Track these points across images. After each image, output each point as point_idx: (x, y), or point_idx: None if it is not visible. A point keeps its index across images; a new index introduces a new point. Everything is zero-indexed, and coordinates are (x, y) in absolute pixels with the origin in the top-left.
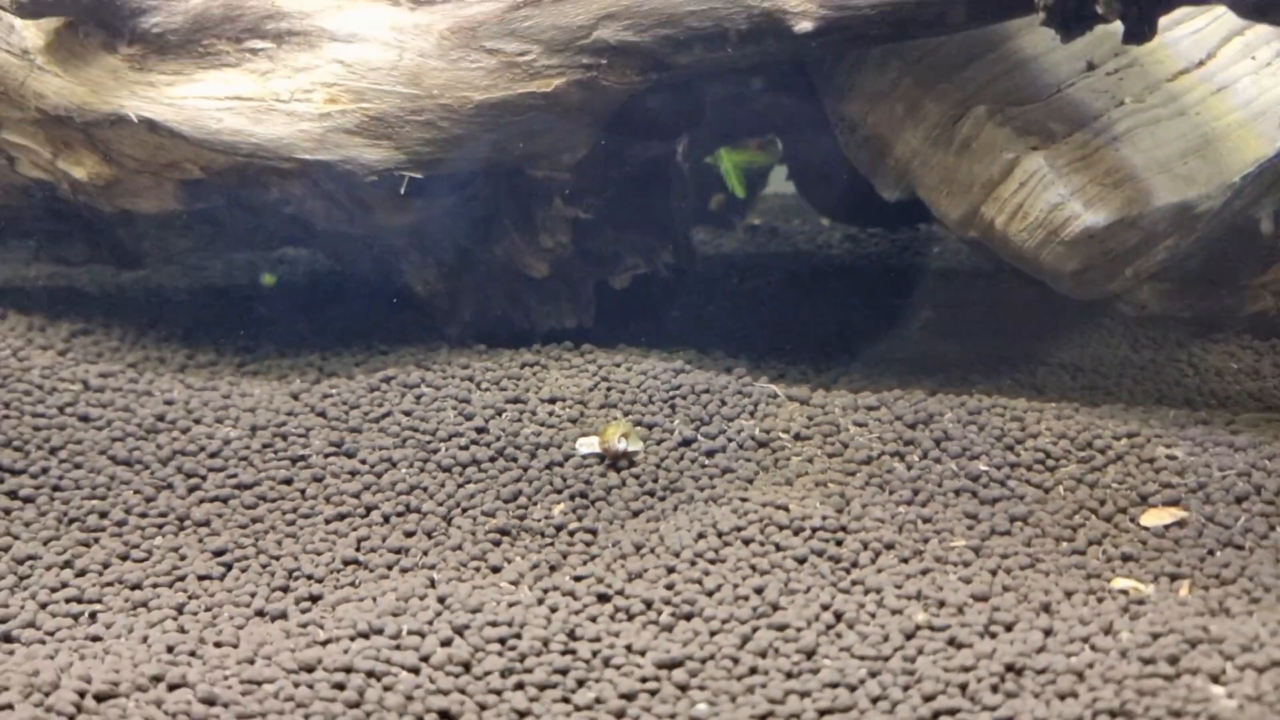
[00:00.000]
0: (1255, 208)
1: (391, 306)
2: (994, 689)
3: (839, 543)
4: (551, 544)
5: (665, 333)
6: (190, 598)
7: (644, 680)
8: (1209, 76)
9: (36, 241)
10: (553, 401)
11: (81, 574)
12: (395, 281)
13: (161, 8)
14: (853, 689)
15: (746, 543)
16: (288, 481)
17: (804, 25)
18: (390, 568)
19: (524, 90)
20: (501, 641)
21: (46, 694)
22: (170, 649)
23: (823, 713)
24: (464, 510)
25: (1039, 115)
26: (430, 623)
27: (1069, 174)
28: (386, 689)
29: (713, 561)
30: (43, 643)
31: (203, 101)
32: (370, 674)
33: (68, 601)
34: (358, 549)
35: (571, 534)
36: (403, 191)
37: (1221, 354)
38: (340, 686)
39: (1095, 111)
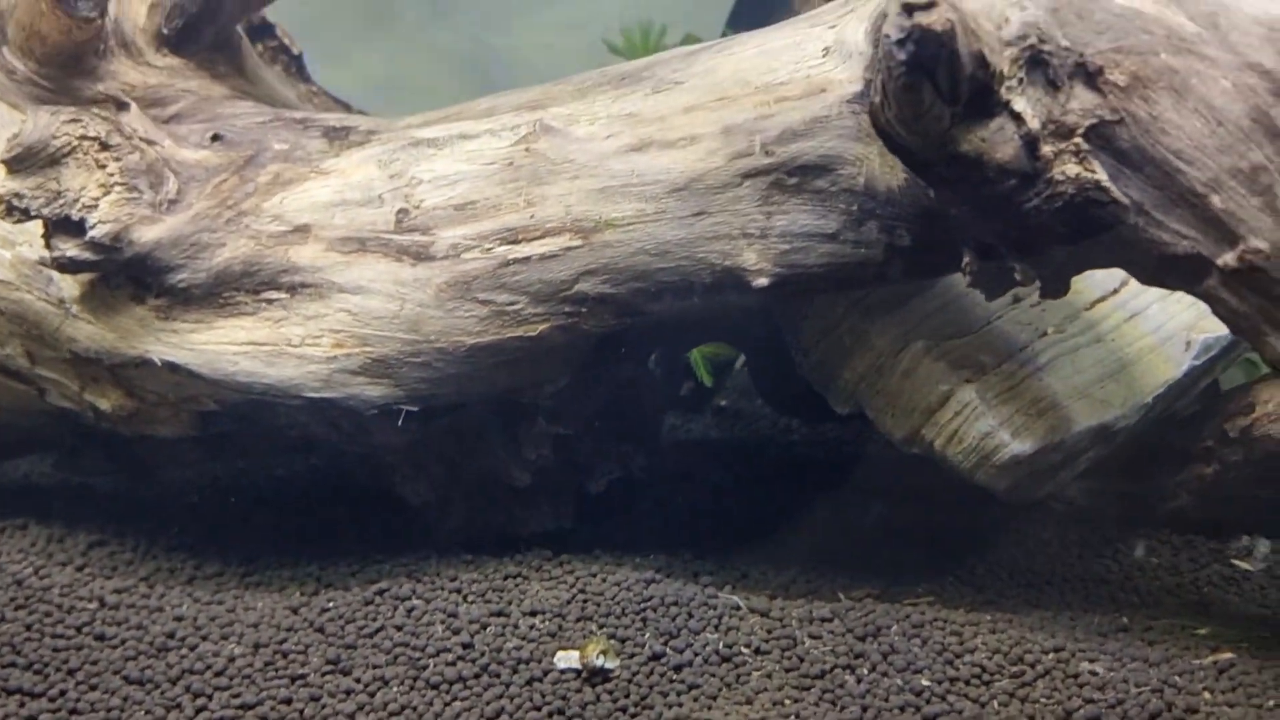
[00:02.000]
0: (1169, 414)
1: (385, 513)
2: None
3: None
4: None
5: (638, 531)
6: None
7: None
8: (1122, 304)
9: (58, 453)
10: (534, 614)
11: None
12: (389, 490)
13: (187, 265)
14: None
15: None
16: (287, 701)
17: (760, 281)
18: None
19: (512, 335)
20: None
21: None
22: None
23: None
24: None
25: (971, 348)
26: None
27: (998, 405)
28: None
29: None
30: None
31: (221, 346)
32: None
33: None
34: None
35: None
36: (399, 423)
37: (1144, 549)
38: None
39: (1021, 342)
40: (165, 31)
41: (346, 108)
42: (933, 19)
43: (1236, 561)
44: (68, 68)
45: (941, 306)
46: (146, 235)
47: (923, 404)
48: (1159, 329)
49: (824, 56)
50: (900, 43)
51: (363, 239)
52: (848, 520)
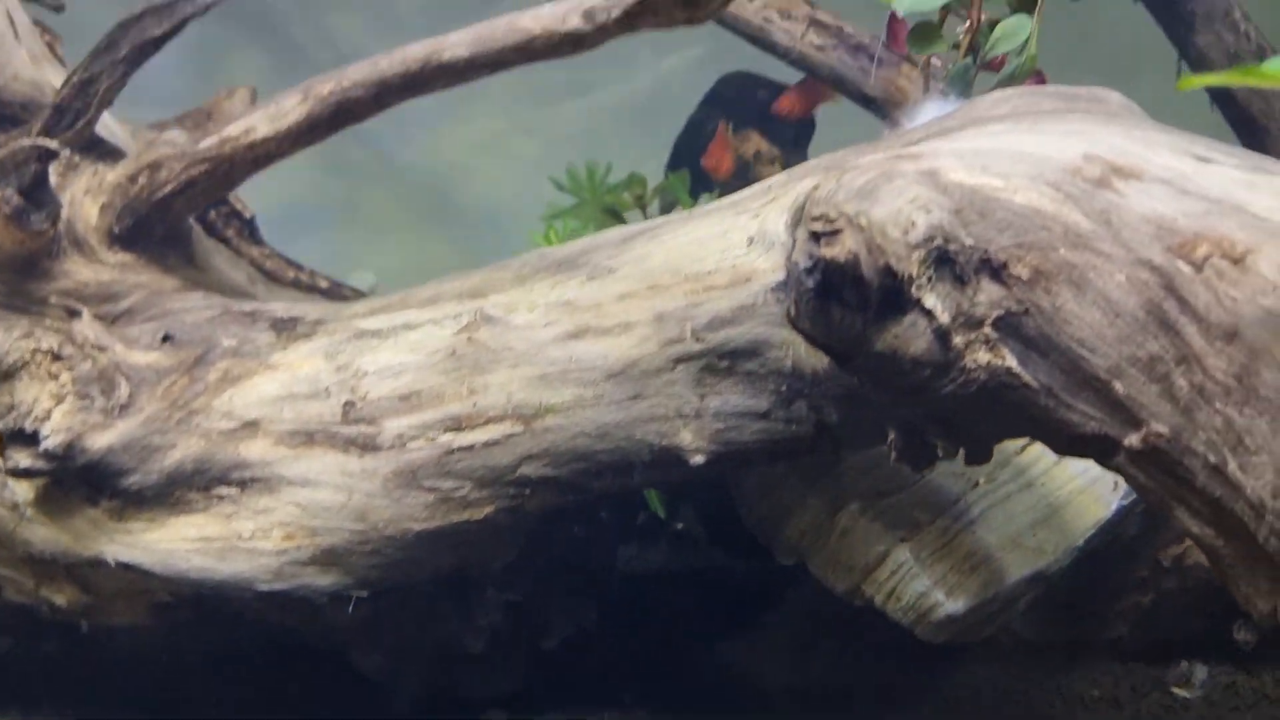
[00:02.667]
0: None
1: (342, 680)
2: None
3: None
4: None
5: (593, 687)
6: None
7: None
8: None
9: (12, 638)
10: None
11: None
12: (345, 658)
13: (139, 468)
14: None
15: None
16: None
17: (697, 459)
18: None
19: (458, 519)
20: None
21: None
22: None
23: None
24: None
25: (905, 504)
26: None
27: (932, 563)
28: None
29: None
30: None
31: (174, 544)
32: None
33: None
34: None
35: None
36: (350, 609)
37: (1085, 680)
38: None
39: (954, 495)
40: (116, 230)
41: (299, 268)
42: (836, 251)
43: (1176, 690)
44: (21, 272)
45: (876, 463)
46: (99, 442)
47: (861, 563)
48: (1087, 470)
49: (748, 246)
50: (808, 270)
51: (310, 432)
52: (798, 652)
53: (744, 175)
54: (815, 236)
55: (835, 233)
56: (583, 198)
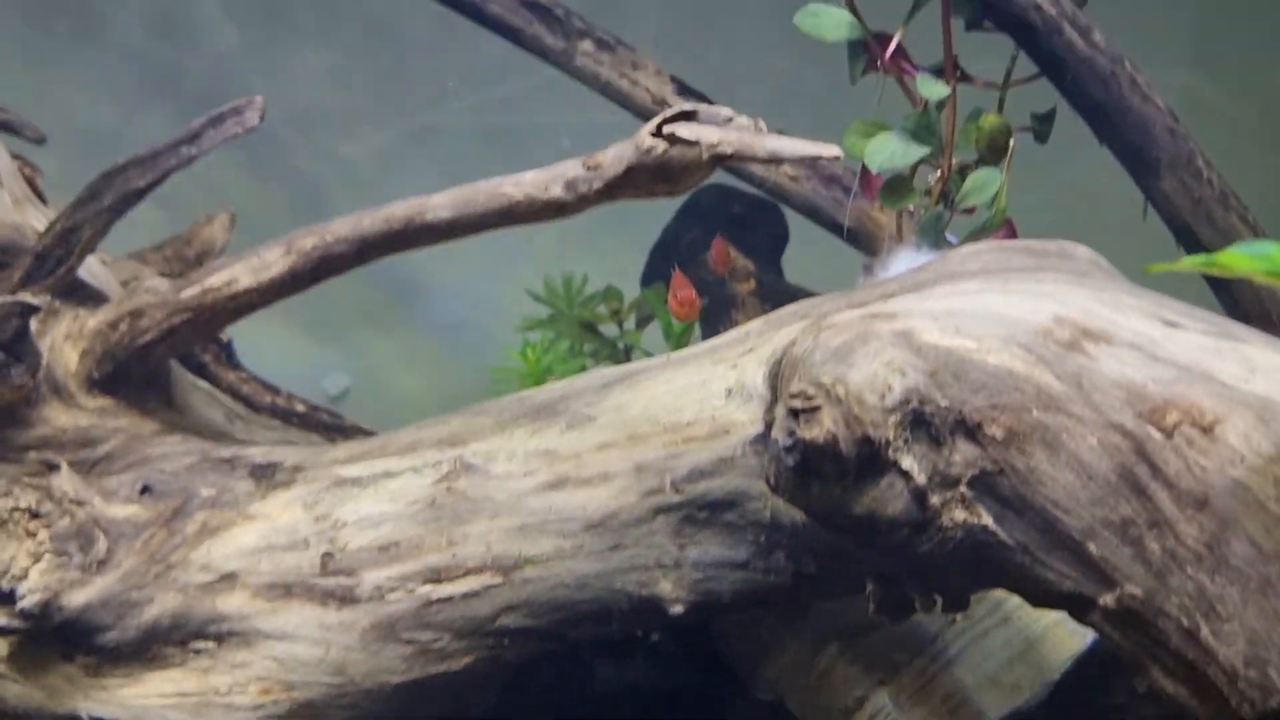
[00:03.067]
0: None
1: None
2: None
3: None
4: None
5: None
6: None
7: None
8: None
9: None
10: None
11: None
12: None
13: (117, 625)
14: None
15: None
16: None
17: (676, 609)
18: None
19: (436, 670)
20: None
21: None
22: None
23: None
24: None
25: (884, 645)
26: None
27: (911, 707)
28: None
29: None
30: None
31: (149, 700)
32: None
33: None
34: None
35: None
36: None
37: None
38: None
39: (932, 634)
40: (96, 375)
41: (275, 392)
42: (815, 433)
43: None
44: (0, 422)
45: (853, 601)
46: (76, 599)
47: (840, 705)
48: None
49: (727, 397)
50: (788, 450)
51: (289, 584)
52: None
53: (720, 289)
54: (794, 414)
55: (814, 410)
56: (559, 309)
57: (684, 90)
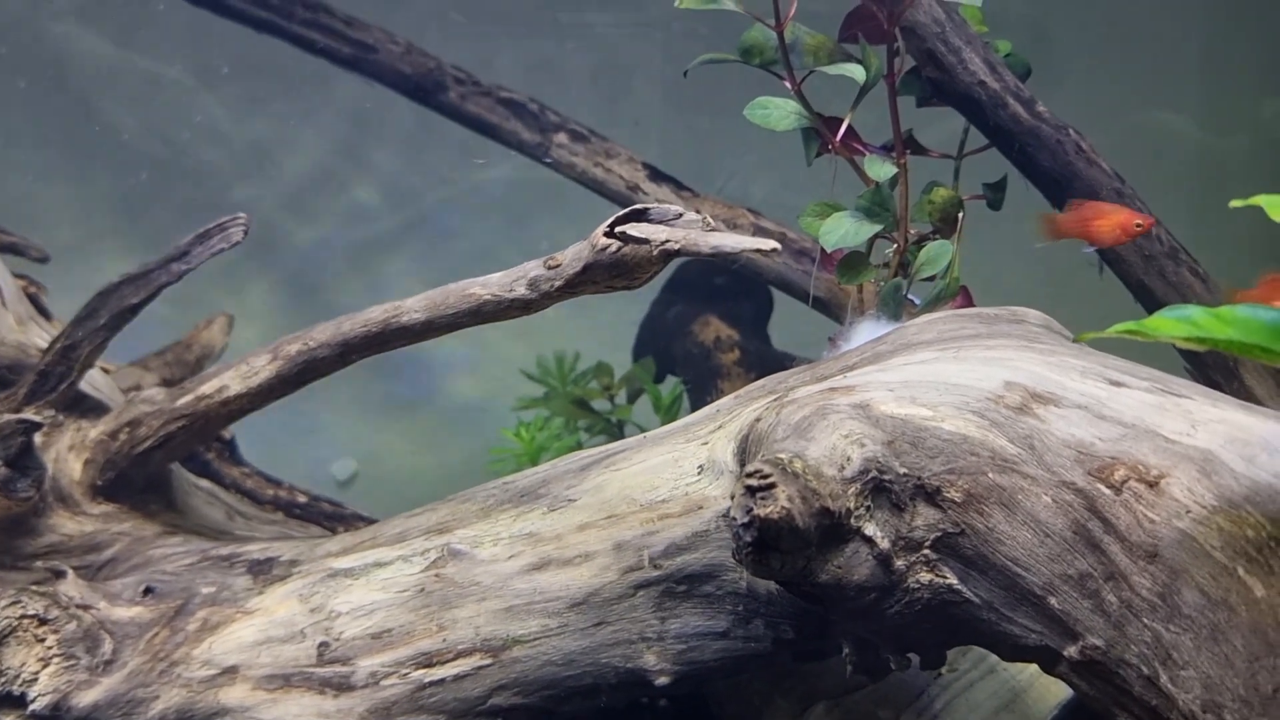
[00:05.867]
0: None
1: None
2: None
3: None
4: None
5: None
6: None
7: None
8: None
9: None
10: None
11: None
12: None
13: None
14: None
15: None
16: None
17: (662, 680)
18: None
19: None
20: None
21: None
22: None
23: None
24: None
25: (870, 701)
26: None
27: None
28: None
29: None
30: None
31: None
32: None
33: None
34: None
35: None
36: None
37: None
38: None
39: (918, 688)
40: (99, 483)
41: (278, 484)
42: (770, 510)
43: None
44: (8, 531)
45: (840, 662)
46: (85, 699)
47: None
48: None
49: (699, 474)
50: (745, 526)
51: (287, 675)
52: None
53: (705, 361)
54: (751, 491)
55: (769, 487)
56: (552, 387)
57: (656, 175)
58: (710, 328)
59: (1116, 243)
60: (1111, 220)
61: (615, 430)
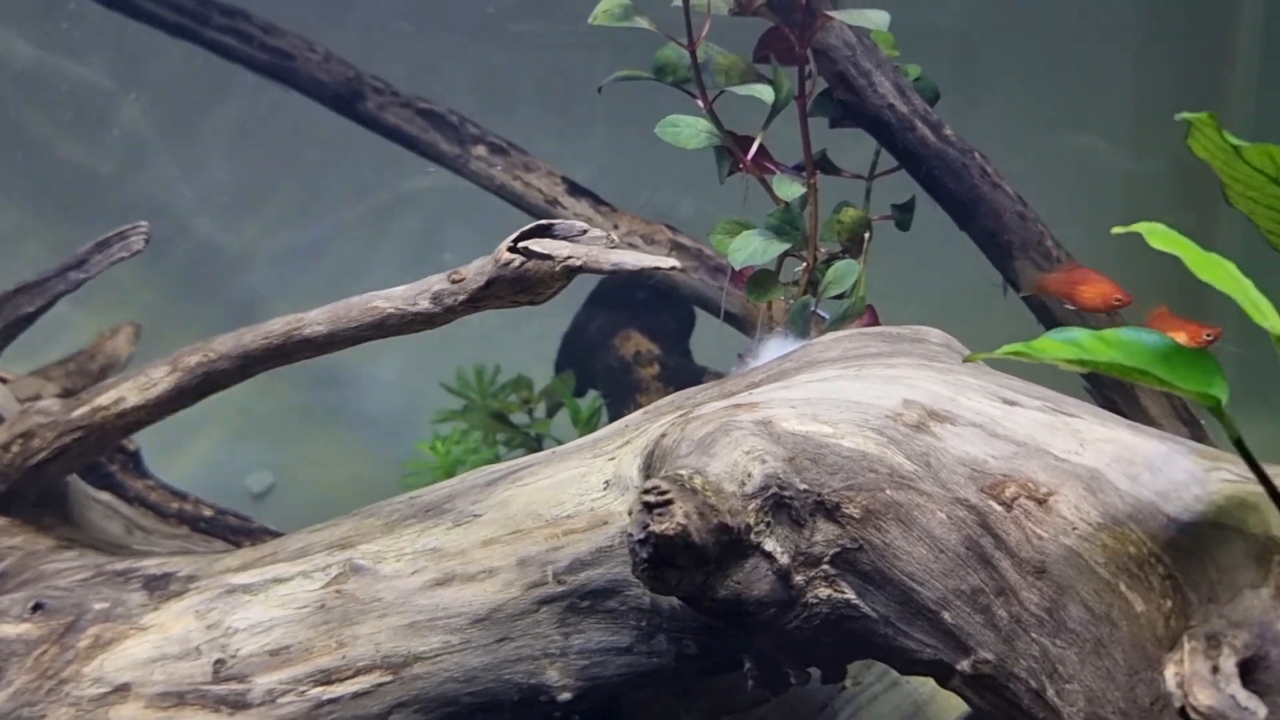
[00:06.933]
0: None
1: None
2: None
3: None
4: None
5: None
6: None
7: None
8: None
9: None
10: None
11: None
12: None
13: None
14: None
15: None
16: None
17: (564, 695)
18: None
19: None
20: None
21: None
22: None
23: None
24: None
25: (774, 716)
26: None
27: None
28: None
29: None
30: None
31: None
32: None
33: None
34: None
35: None
36: None
37: None
38: None
39: (821, 702)
40: None
41: (183, 498)
42: (665, 526)
43: None
44: None
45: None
46: None
47: None
48: None
49: (605, 489)
50: (640, 543)
51: (181, 692)
52: None
53: (625, 375)
54: (648, 507)
55: (666, 503)
56: (471, 400)
57: (575, 190)
58: (631, 342)
59: (1095, 310)
60: (1096, 289)
61: (534, 444)
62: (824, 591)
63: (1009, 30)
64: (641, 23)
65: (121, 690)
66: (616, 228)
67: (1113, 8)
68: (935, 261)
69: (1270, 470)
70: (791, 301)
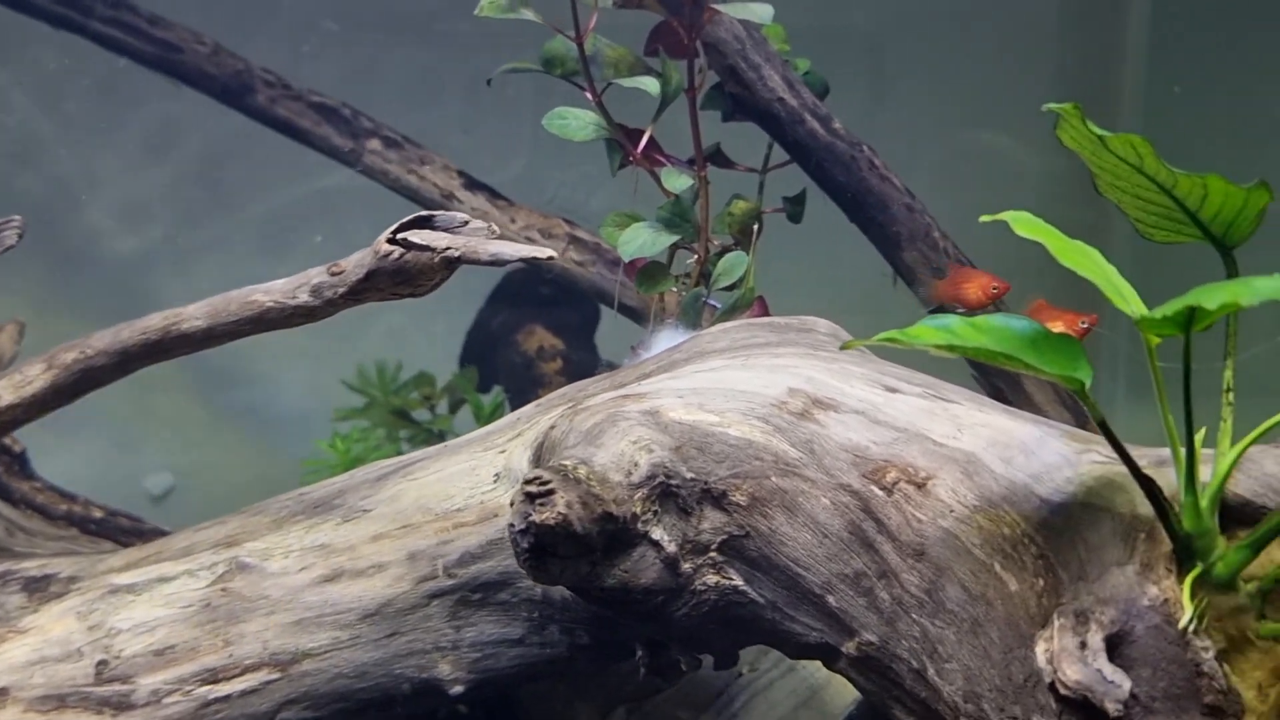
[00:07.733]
0: None
1: None
2: None
3: None
4: None
5: None
6: None
7: None
8: None
9: None
10: None
11: None
12: None
13: None
14: None
15: None
16: None
17: (456, 689)
18: None
19: None
20: None
21: None
22: None
23: None
24: None
25: (671, 704)
26: None
27: None
28: None
29: None
30: None
31: None
32: None
33: None
34: None
35: None
36: None
37: None
38: None
39: (717, 689)
40: None
41: (72, 499)
42: (546, 515)
43: None
44: None
45: (636, 666)
46: None
47: None
48: None
49: (495, 482)
50: (521, 533)
51: (63, 695)
52: None
53: (527, 371)
54: (530, 497)
55: (548, 493)
56: (372, 397)
57: (471, 184)
58: (534, 337)
59: (980, 304)
60: (975, 284)
61: (436, 441)
62: (712, 579)
63: (917, 28)
64: (528, 14)
65: (0, 695)
66: (514, 222)
67: (1021, 5)
68: (827, 253)
69: (1135, 452)
70: (684, 293)
